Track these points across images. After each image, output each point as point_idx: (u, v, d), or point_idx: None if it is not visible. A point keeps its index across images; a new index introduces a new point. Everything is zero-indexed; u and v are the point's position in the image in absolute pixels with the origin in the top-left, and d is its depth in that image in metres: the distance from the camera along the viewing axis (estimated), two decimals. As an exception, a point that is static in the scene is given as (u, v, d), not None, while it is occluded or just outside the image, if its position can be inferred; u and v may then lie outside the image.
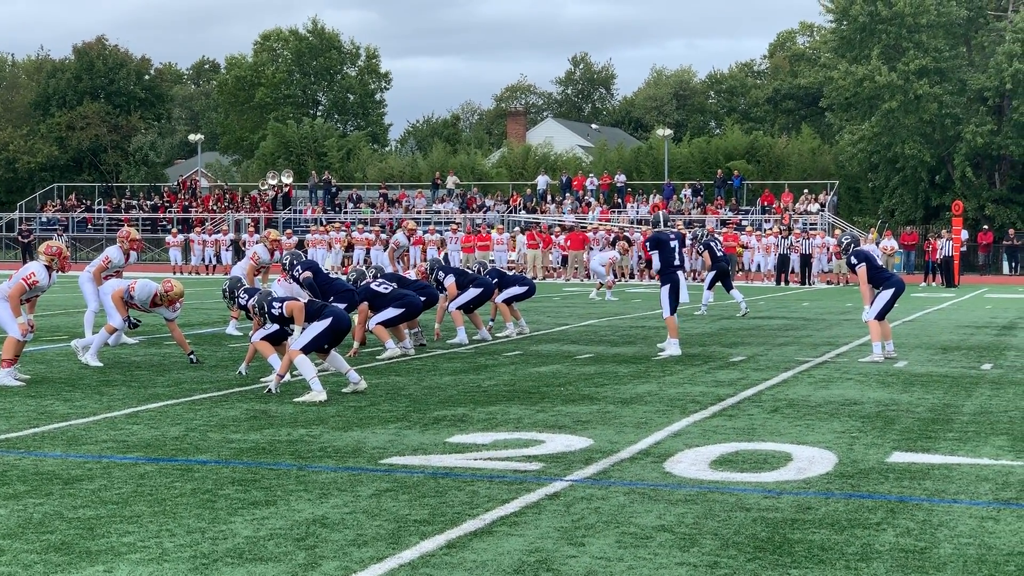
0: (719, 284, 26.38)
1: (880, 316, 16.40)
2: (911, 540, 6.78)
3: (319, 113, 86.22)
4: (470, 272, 19.66)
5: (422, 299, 17.34)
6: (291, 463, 8.95)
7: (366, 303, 16.62)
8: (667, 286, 17.21)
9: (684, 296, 17.44)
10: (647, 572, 6.16)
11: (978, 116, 55.76)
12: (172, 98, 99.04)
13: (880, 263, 19.06)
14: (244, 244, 48.17)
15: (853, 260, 16.43)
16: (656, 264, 17.56)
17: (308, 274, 16.34)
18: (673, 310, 17.25)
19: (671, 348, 17.02)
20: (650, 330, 20.70)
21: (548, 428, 10.59)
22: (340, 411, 11.52)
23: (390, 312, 16.68)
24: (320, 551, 6.49)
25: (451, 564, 6.26)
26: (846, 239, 17.06)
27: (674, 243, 17.44)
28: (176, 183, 68.79)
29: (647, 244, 17.75)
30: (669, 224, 19.03)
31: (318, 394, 12.10)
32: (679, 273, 17.38)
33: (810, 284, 43.88)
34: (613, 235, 45.46)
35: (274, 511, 7.41)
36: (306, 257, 17.04)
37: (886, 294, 16.21)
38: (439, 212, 57.27)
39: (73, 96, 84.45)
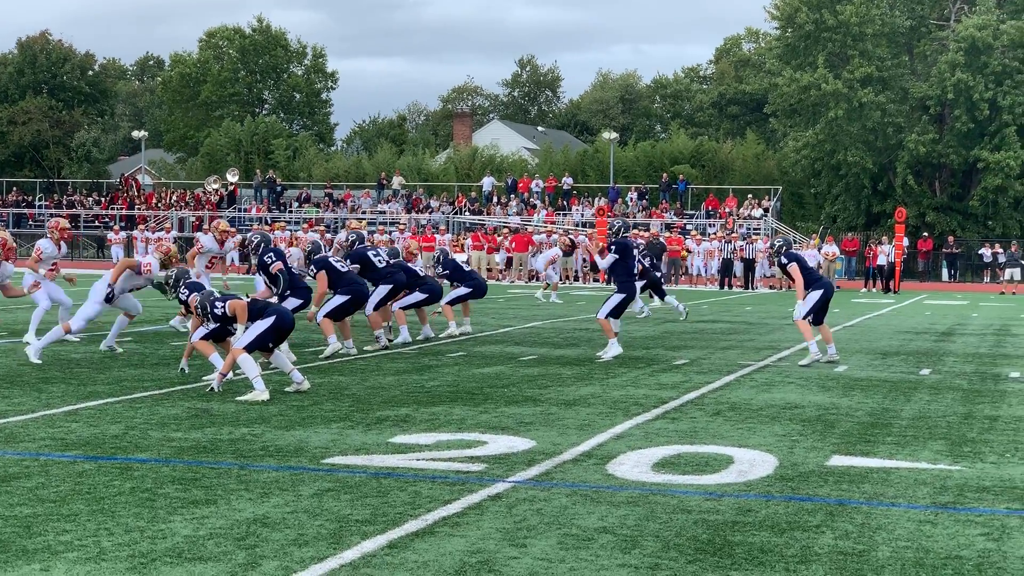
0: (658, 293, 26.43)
1: (815, 319, 16.54)
2: (850, 543, 6.84)
3: (265, 112, 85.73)
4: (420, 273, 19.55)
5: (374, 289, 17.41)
6: (232, 462, 8.89)
7: (324, 273, 16.51)
8: (622, 295, 16.95)
9: (636, 305, 17.63)
10: (588, 573, 6.17)
11: (920, 125, 56.33)
12: (116, 94, 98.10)
13: (812, 266, 19.20)
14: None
15: (784, 260, 16.56)
16: (604, 263, 17.53)
17: (280, 265, 16.11)
18: (616, 315, 17.16)
19: (612, 349, 16.97)
20: (594, 332, 20.70)
21: (491, 429, 10.58)
22: (283, 410, 11.46)
23: (336, 300, 16.54)
24: (260, 551, 6.45)
25: (392, 564, 6.24)
26: (778, 242, 17.15)
27: (636, 252, 17.61)
28: (119, 180, 68.18)
29: (611, 248, 17.55)
30: (628, 233, 18.93)
31: (260, 393, 12.04)
32: (637, 283, 17.58)
33: (753, 288, 44.17)
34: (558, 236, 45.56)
35: (214, 510, 7.36)
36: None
37: (815, 295, 16.36)
38: (384, 212, 57.12)
39: (15, 90, 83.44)
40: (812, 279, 16.72)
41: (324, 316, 16.46)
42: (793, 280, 16.59)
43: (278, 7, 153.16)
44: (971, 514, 7.63)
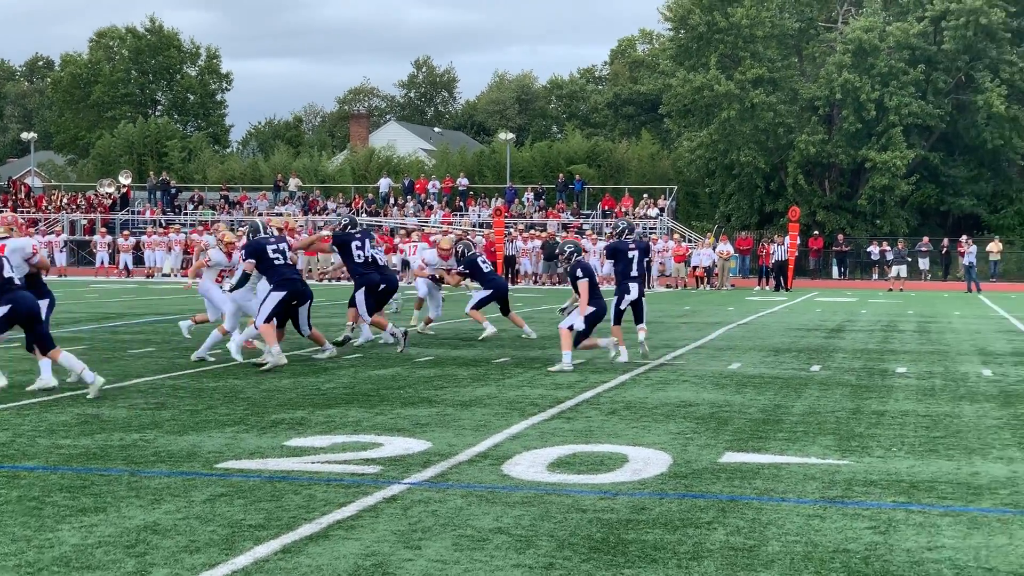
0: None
1: (615, 319, 16.45)
2: (740, 538, 6.93)
3: (158, 113, 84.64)
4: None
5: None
6: (123, 469, 8.76)
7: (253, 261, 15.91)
8: (615, 296, 16.78)
9: (627, 303, 16.82)
10: (483, 574, 6.18)
11: (810, 125, 57.28)
12: (4, 95, 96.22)
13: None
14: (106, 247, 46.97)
15: (579, 273, 15.74)
16: (608, 267, 17.71)
17: (251, 263, 15.83)
18: (617, 320, 16.75)
19: (617, 352, 16.32)
20: (501, 333, 20.71)
21: (387, 431, 10.56)
22: (175, 415, 11.33)
23: (273, 298, 15.80)
24: (151, 558, 6.37)
25: (286, 569, 6.20)
26: (568, 247, 16.31)
27: (633, 254, 16.87)
28: (6, 182, 66.85)
29: (605, 252, 17.48)
30: (635, 234, 18.30)
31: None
32: (632, 285, 16.85)
33: (650, 287, 44.49)
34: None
35: (103, 518, 7.25)
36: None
37: (591, 309, 15.70)
38: (281, 215, 56.66)
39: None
40: (594, 295, 15.81)
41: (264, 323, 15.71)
42: (579, 295, 15.74)
43: (171, 7, 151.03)
44: (858, 508, 7.77)
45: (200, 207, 58.71)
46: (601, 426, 10.97)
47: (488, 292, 20.45)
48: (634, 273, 16.86)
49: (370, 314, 18.34)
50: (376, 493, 7.99)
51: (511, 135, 66.03)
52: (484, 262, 20.90)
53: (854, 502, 7.94)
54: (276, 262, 15.89)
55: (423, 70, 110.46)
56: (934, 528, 7.24)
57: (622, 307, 16.89)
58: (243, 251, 16.34)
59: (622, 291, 16.87)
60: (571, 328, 15.77)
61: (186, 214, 57.75)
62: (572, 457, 9.40)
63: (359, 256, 18.30)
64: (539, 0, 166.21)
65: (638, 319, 17.00)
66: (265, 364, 15.25)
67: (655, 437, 10.36)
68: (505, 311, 20.83)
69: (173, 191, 60.00)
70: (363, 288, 18.13)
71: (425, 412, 11.73)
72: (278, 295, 15.72)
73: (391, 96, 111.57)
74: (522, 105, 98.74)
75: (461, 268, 20.50)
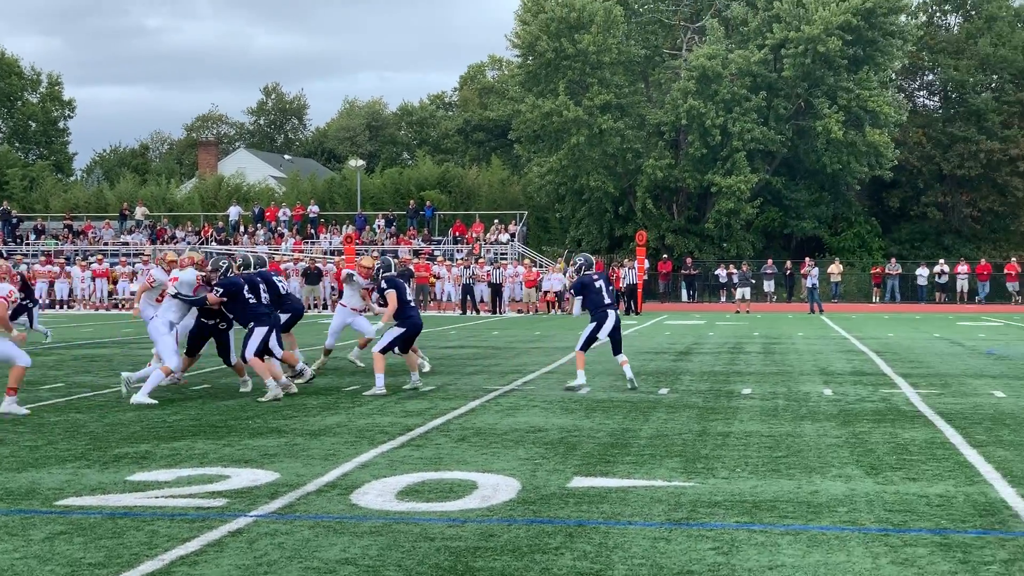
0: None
1: (401, 349, 16.54)
2: (587, 563, 7.00)
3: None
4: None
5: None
6: (-42, 509, 8.51)
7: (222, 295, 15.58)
8: (593, 324, 16.86)
9: (605, 333, 16.91)
10: (329, 606, 6.14)
11: (657, 150, 58.20)
12: None
13: (559, 289, 19.03)
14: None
15: (384, 285, 16.38)
16: (577, 308, 17.46)
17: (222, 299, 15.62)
18: (586, 347, 17.03)
19: (580, 379, 16.87)
20: (340, 360, 20.62)
21: (234, 463, 10.43)
22: (15, 451, 11.03)
23: (258, 334, 15.57)
24: (-14, 601, 6.19)
25: (127, 608, 6.08)
26: (380, 264, 16.74)
27: (599, 283, 17.00)
28: None
29: (573, 289, 17.50)
30: (588, 265, 18.08)
31: None
32: (610, 311, 16.94)
33: (501, 313, 44.71)
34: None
35: (-63, 561, 7.03)
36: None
37: (397, 331, 16.23)
38: (127, 244, 55.67)
39: None
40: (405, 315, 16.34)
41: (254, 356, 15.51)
42: (387, 305, 16.26)
43: (11, 33, 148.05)
44: (703, 529, 7.90)
45: (42, 237, 57.33)
46: (451, 453, 10.98)
47: (401, 331, 16.66)
48: (607, 301, 17.03)
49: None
50: (221, 527, 7.89)
51: (362, 162, 65.81)
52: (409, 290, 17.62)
53: (698, 523, 8.07)
54: (251, 300, 15.82)
55: (272, 97, 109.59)
56: (775, 547, 7.40)
57: (599, 335, 16.95)
58: (219, 286, 15.90)
59: (600, 319, 16.88)
60: (386, 351, 16.09)
61: (28, 244, 56.34)
62: (421, 485, 9.40)
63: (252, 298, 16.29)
64: (388, 27, 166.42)
65: (616, 349, 17.08)
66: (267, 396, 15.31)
67: (504, 463, 10.40)
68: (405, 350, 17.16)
69: (14, 221, 58.51)
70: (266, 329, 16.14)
71: (274, 442, 11.61)
72: (262, 330, 15.66)
73: (240, 123, 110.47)
74: (372, 132, 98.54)
75: (381, 287, 16.88)
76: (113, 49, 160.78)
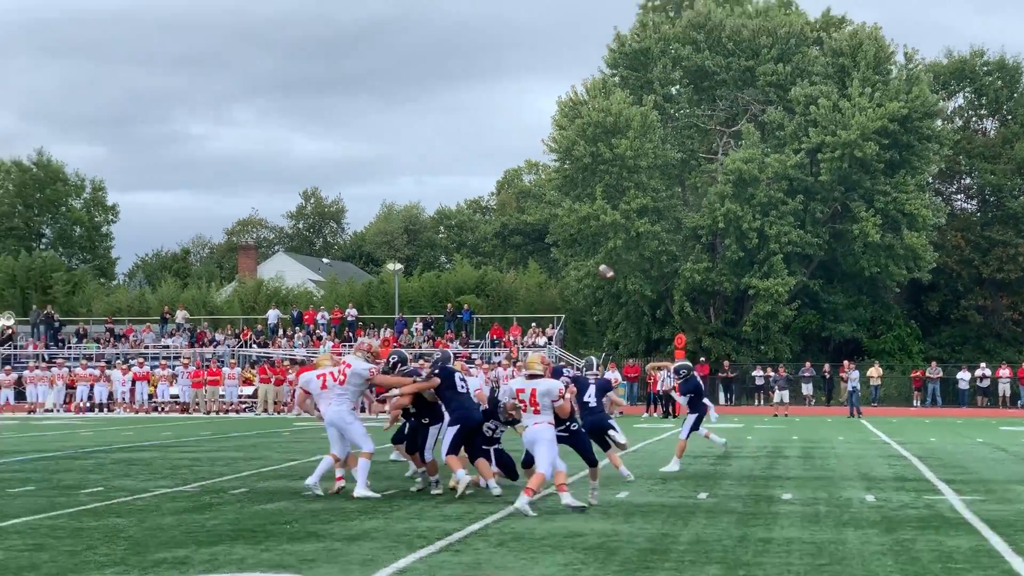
0: None
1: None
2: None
3: (44, 246, 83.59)
4: None
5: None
6: (-2, 614, 8.54)
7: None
8: (695, 414, 20.65)
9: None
10: None
11: (694, 253, 58.33)
12: None
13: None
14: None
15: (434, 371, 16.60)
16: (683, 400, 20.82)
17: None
18: (695, 428, 20.75)
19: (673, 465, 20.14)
20: (378, 464, 20.59)
21: (272, 568, 10.42)
22: (54, 556, 11.06)
23: (451, 432, 15.94)
24: None
25: None
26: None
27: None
28: None
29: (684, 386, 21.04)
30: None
31: None
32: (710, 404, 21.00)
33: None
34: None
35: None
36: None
37: (452, 429, 16.08)
38: (168, 347, 56.02)
39: None
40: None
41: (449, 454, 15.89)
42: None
43: (58, 141, 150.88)
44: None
45: (84, 340, 57.80)
46: (490, 559, 10.93)
47: (456, 428, 16.04)
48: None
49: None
50: (260, 633, 7.87)
51: (399, 266, 66.27)
52: (461, 378, 16.47)
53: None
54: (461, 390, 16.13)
55: (311, 201, 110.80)
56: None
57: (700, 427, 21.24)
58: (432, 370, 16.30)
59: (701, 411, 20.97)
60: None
61: (70, 348, 56.80)
62: (460, 591, 9.35)
63: (462, 387, 16.27)
64: (425, 132, 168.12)
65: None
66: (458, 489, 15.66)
67: (543, 569, 10.34)
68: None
69: (57, 325, 59.05)
70: (458, 425, 15.99)
71: (312, 547, 11.60)
72: (454, 428, 15.95)
73: (279, 227, 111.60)
74: (410, 236, 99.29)
75: (434, 372, 16.37)
76: (156, 156, 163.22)
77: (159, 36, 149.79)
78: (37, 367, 50.66)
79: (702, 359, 55.20)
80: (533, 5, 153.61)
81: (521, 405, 14.59)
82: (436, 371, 16.28)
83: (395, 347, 49.24)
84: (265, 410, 46.72)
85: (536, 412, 14.46)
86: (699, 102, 63.58)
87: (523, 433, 14.75)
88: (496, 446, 16.62)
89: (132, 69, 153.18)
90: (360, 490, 15.81)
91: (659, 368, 38.95)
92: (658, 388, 45.97)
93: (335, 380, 16.25)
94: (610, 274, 39.43)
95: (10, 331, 59.15)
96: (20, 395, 50.41)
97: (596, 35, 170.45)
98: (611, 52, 62.06)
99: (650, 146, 57.46)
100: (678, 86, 62.64)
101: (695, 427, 20.70)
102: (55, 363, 51.07)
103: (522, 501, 13.78)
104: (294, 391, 47.03)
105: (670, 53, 61.05)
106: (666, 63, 60.99)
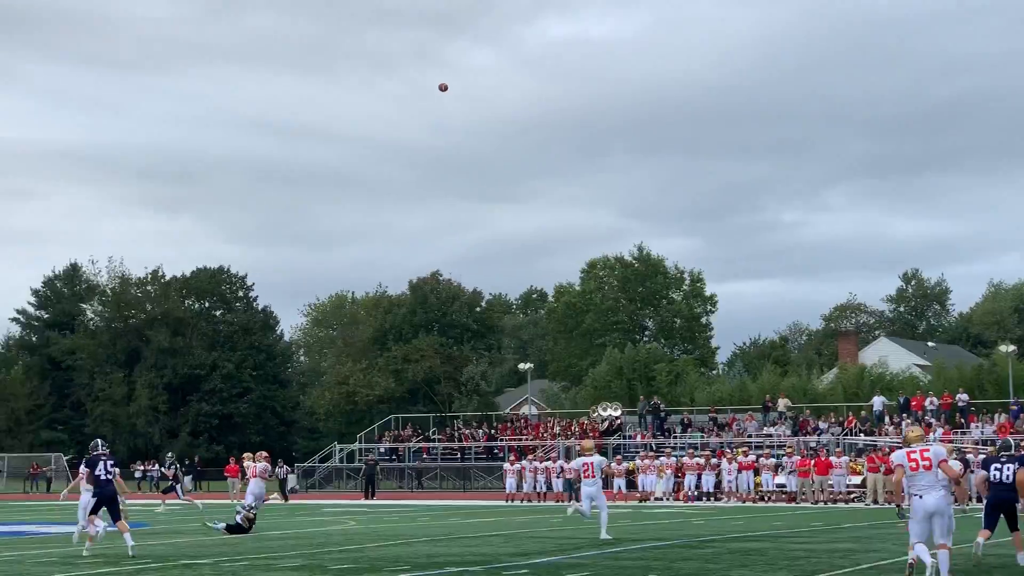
0: None
1: None
2: None
3: (646, 338, 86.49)
4: None
5: None
6: None
7: None
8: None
9: None
10: None
11: None
12: (502, 328, 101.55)
13: None
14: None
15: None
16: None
17: None
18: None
19: None
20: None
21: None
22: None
23: None
24: None
25: None
26: None
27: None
28: (507, 412, 69.77)
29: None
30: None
31: None
32: None
33: None
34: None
35: None
36: None
37: None
38: (771, 436, 55.68)
39: (408, 329, 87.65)
40: None
41: None
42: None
43: (657, 236, 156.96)
44: None
45: (689, 430, 58.71)
46: None
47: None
48: None
49: None
50: None
51: (1012, 347, 62.42)
52: None
53: None
54: None
55: (912, 283, 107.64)
56: None
57: None
58: None
59: None
60: None
61: (675, 437, 57.84)
62: None
63: None
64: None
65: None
66: None
67: None
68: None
69: (663, 415, 60.45)
70: None
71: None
72: None
73: (879, 311, 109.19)
74: (1021, 315, 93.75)
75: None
76: (750, 245, 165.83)
77: (750, 125, 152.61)
78: (646, 456, 51.82)
79: None
80: None
81: None
82: None
83: (1012, 434, 46.05)
84: (875, 500, 44.98)
85: None
86: None
87: None
88: None
89: (724, 161, 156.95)
90: None
91: None
92: None
93: None
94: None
95: (618, 421, 61.28)
96: (631, 484, 51.72)
97: None
98: None
99: None
100: None
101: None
102: (663, 452, 51.98)
103: None
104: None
105: None
106: None
